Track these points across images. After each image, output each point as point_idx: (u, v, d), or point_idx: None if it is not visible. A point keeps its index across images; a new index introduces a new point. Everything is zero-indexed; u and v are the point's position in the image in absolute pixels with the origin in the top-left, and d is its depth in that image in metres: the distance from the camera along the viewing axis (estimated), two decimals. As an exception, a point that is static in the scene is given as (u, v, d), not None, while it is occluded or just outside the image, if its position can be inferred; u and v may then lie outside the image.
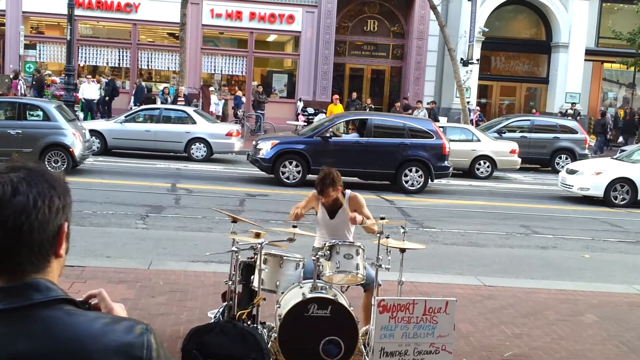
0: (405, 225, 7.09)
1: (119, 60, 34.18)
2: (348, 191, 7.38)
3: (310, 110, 32.04)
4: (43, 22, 34.41)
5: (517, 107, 37.47)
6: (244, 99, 31.65)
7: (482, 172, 23.26)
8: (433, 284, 9.64)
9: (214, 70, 34.93)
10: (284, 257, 6.60)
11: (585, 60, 35.72)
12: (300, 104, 32.84)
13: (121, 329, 1.75)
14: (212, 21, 33.77)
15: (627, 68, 34.46)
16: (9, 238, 1.74)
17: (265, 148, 18.98)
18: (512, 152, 23.72)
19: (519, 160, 23.85)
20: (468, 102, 31.07)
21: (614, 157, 21.76)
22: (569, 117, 31.46)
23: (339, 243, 6.62)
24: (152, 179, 18.55)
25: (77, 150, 18.10)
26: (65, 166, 17.88)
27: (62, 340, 1.70)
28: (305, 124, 28.01)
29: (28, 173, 1.80)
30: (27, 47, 32.09)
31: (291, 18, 34.03)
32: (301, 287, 6.41)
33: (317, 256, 6.53)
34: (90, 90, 29.55)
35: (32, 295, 1.74)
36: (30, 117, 18.52)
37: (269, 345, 6.22)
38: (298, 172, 18.77)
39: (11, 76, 30.10)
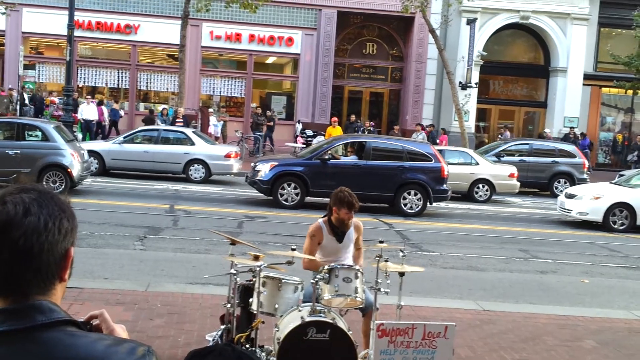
0: (404, 249, 7.07)
1: (118, 81, 34.24)
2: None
3: (309, 132, 32.08)
4: (42, 43, 34.49)
5: (515, 130, 37.51)
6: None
7: (480, 196, 23.24)
8: (432, 308, 9.59)
9: (213, 91, 34.99)
10: (283, 280, 6.56)
11: (584, 84, 35.81)
12: (299, 126, 32.89)
13: (123, 350, 1.75)
14: (211, 43, 33.89)
15: (625, 92, 34.55)
16: (18, 258, 1.75)
17: (264, 170, 18.97)
18: (511, 175, 23.72)
19: (518, 184, 23.85)
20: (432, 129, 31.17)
21: (613, 181, 21.77)
22: (573, 139, 31.60)
23: (338, 266, 6.59)
24: (150, 200, 18.52)
25: (76, 170, 18.09)
26: (63, 187, 17.85)
27: None
28: (304, 146, 28.03)
29: (39, 194, 1.82)
30: (26, 67, 32.14)
31: (290, 40, 34.16)
32: (300, 311, 6.36)
33: (316, 279, 6.49)
34: (89, 111, 29.60)
35: (35, 317, 1.74)
36: (29, 138, 18.53)
37: (267, 369, 6.17)
38: (297, 194, 18.75)
39: (96, 102, 30.64)
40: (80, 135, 27.71)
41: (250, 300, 6.58)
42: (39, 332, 1.72)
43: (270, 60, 36.12)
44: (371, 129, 32.32)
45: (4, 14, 28.03)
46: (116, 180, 21.77)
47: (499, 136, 32.91)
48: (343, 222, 7.17)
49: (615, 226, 18.88)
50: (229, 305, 6.70)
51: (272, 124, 31.64)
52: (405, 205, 19.07)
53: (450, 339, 6.36)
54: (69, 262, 1.86)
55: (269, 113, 32.13)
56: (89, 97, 31.34)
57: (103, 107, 30.72)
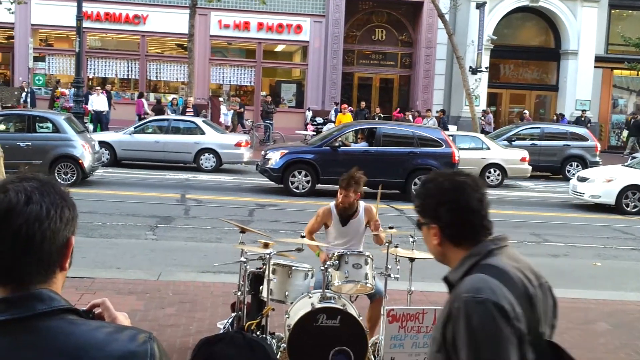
0: (414, 234, 7.06)
1: (128, 71, 34.31)
2: (362, 203, 7.35)
3: (319, 119, 32.04)
4: (52, 35, 34.57)
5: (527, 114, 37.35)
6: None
7: (492, 181, 23.16)
8: (443, 293, 9.41)
9: (223, 80, 35.01)
10: (293, 267, 6.57)
11: (595, 67, 35.61)
12: (309, 114, 32.85)
13: (124, 337, 1.75)
14: (220, 32, 33.87)
15: (637, 74, 34.36)
16: (20, 247, 1.75)
17: (274, 158, 18.97)
18: (523, 160, 23.62)
19: (530, 168, 23.75)
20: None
21: (625, 164, 21.65)
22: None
23: (348, 252, 6.58)
24: (161, 189, 18.55)
25: (87, 161, 18.14)
26: (74, 178, 17.92)
27: (65, 350, 1.70)
28: (314, 133, 28.01)
29: (40, 183, 1.82)
30: (36, 59, 32.23)
31: (299, 28, 34.09)
32: (310, 297, 6.38)
33: (326, 266, 6.49)
34: (99, 101, 29.64)
35: (35, 306, 1.74)
36: (39, 129, 18.58)
37: (278, 356, 6.18)
38: (307, 182, 18.75)
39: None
40: (91, 127, 27.78)
41: (261, 287, 6.60)
42: (39, 320, 1.72)
43: (280, 48, 36.08)
44: (381, 115, 32.23)
45: (10, 10, 27.98)
46: (127, 170, 21.81)
47: (481, 119, 32.80)
48: (341, 205, 7.18)
49: (628, 209, 18.78)
50: (239, 293, 6.72)
51: (241, 110, 31.58)
52: (416, 191, 19.01)
53: (461, 324, 6.33)
54: (70, 251, 1.86)
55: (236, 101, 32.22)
56: (99, 88, 31.37)
57: (143, 100, 30.81)
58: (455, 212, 2.62)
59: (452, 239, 2.66)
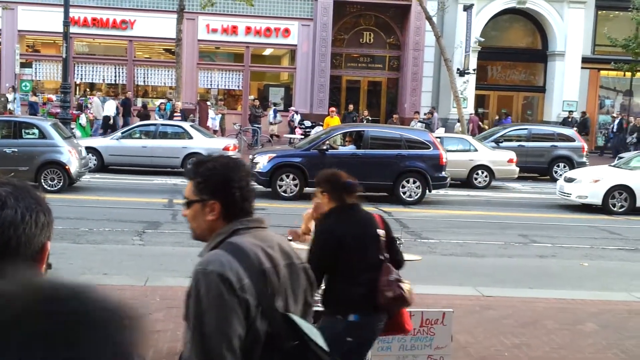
0: (401, 237, 7.05)
1: (116, 76, 34.19)
2: None
3: (308, 123, 32.02)
4: (39, 41, 34.45)
5: (514, 116, 37.42)
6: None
7: (480, 182, 23.20)
8: (431, 295, 9.56)
9: (211, 85, 34.95)
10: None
11: (582, 68, 35.71)
12: (298, 117, 32.83)
13: None
14: (207, 36, 33.82)
15: (624, 75, 34.51)
16: None
17: (262, 162, 18.96)
18: (510, 161, 23.67)
19: (517, 169, 23.80)
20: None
21: (612, 164, 21.73)
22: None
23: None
24: (149, 195, 18.51)
25: (74, 167, 18.08)
26: (61, 184, 17.86)
27: None
28: (303, 137, 28.00)
29: (14, 188, 1.80)
30: (23, 65, 32.12)
31: (287, 32, 34.08)
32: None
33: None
34: (109, 106, 29.76)
35: None
36: (26, 136, 18.52)
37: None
38: (295, 185, 18.74)
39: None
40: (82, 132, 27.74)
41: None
42: None
43: (268, 52, 36.06)
44: (369, 118, 32.26)
45: None
46: (114, 176, 21.75)
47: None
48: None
49: (615, 209, 18.84)
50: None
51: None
52: (404, 193, 19.06)
53: (449, 326, 6.36)
54: (45, 255, 1.84)
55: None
56: (98, 92, 31.67)
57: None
58: (240, 189, 2.83)
59: (227, 216, 2.84)
